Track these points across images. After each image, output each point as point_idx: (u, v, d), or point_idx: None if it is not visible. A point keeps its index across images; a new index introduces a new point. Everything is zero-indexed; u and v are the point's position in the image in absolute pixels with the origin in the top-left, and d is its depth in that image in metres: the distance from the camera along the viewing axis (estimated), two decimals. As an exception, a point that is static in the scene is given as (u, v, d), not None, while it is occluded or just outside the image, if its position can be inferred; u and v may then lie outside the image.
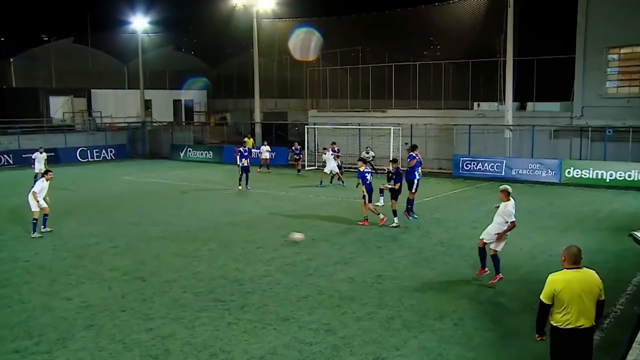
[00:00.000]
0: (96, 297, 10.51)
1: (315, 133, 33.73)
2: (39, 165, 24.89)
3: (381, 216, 16.53)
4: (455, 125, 30.36)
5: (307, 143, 32.67)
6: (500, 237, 10.78)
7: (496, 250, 10.93)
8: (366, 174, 16.58)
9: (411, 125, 30.84)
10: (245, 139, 35.49)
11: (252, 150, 30.11)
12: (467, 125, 29.14)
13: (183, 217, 18.40)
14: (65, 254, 13.70)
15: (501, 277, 11.07)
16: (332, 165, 25.08)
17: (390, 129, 29.88)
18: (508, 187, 10.82)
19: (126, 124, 44.94)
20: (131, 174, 29.87)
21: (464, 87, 33.52)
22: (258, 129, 38.78)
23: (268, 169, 30.80)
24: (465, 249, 13.66)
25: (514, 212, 10.63)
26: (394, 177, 16.59)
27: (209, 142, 42.19)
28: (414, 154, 17.42)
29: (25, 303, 10.22)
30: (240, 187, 24.08)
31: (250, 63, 39.07)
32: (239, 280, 11.42)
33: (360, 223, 16.64)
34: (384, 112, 34.28)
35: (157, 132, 43.83)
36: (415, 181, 17.35)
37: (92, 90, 48.71)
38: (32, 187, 16.00)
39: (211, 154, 37.56)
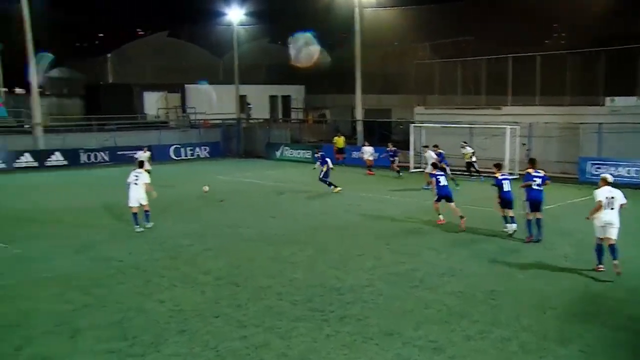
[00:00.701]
0: (189, 301, 10.95)
1: (421, 132, 33.31)
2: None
3: (441, 217, 17.58)
4: (581, 123, 28.89)
5: (413, 143, 32.32)
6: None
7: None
8: (439, 177, 17.70)
9: (530, 124, 29.71)
10: (335, 137, 35.81)
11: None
12: (597, 124, 27.63)
13: (279, 220, 18.80)
14: (159, 255, 14.42)
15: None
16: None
17: (506, 128, 28.93)
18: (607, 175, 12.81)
19: (220, 121, 46.64)
20: (225, 173, 30.94)
21: (593, 80, 31.80)
22: (359, 127, 38.90)
23: (370, 170, 30.88)
24: (594, 265, 12.93)
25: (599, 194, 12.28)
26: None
27: (307, 141, 42.84)
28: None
29: (120, 304, 10.83)
30: (337, 189, 24.27)
31: (352, 56, 39.29)
32: (339, 289, 11.49)
33: (438, 222, 17.61)
34: (499, 109, 33.26)
35: (252, 129, 45.13)
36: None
37: (186, 86, 50.98)
38: (136, 181, 16.99)
39: (309, 154, 38.09)
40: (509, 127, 28.98)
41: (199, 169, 31.75)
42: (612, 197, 12.15)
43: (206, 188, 22.58)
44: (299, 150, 38.99)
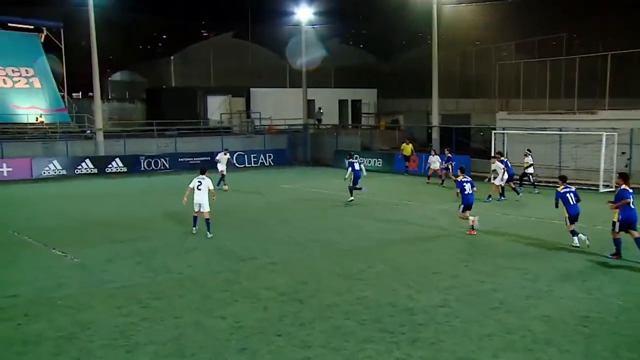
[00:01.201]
0: (250, 317, 11.07)
1: (504, 139, 32.66)
2: (222, 167, 29.12)
3: (472, 219, 18.37)
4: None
5: (494, 151, 31.70)
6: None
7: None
8: (464, 184, 18.56)
9: (631, 130, 28.62)
10: (403, 144, 35.63)
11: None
12: None
13: (347, 233, 18.85)
14: (220, 268, 14.68)
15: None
16: (505, 177, 25.23)
17: (601, 134, 27.99)
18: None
19: (286, 127, 47.18)
20: (291, 182, 31.25)
21: None
22: (435, 134, 38.53)
23: (442, 181, 30.71)
24: None
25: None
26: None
27: (379, 149, 42.78)
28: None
29: (178, 318, 11.07)
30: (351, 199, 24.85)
31: (428, 57, 39.04)
32: (411, 310, 11.38)
33: (468, 232, 18.37)
34: (593, 113, 32.24)
35: (320, 136, 45.44)
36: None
37: (252, 89, 51.87)
38: (199, 186, 18.28)
39: (380, 162, 38.05)
40: (605, 133, 28.05)
41: (262, 178, 32.25)
42: None
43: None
44: (370, 159, 38.95)
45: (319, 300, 12.01)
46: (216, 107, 50.41)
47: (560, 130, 31.27)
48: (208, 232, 18.26)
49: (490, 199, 24.94)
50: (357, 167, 25.33)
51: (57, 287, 13.08)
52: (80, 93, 49.61)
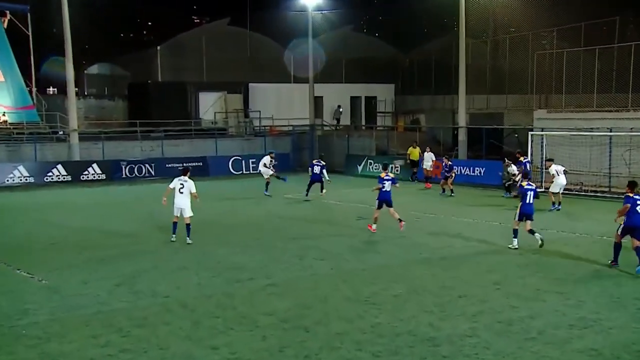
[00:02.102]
0: (247, 348, 11.05)
1: (543, 142, 32.57)
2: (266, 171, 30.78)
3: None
4: None
5: (532, 156, 31.67)
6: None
7: None
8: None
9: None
10: (410, 147, 35.96)
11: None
12: None
13: (359, 250, 18.86)
14: (212, 290, 14.67)
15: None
16: (561, 182, 25.99)
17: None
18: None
19: (290, 128, 47.23)
20: (295, 191, 31.21)
21: None
22: (462, 136, 38.46)
23: (442, 190, 31.55)
24: None
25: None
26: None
27: (397, 153, 42.71)
28: None
29: (164, 349, 11.05)
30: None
31: (454, 47, 39.08)
32: (433, 340, 11.35)
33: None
34: (651, 111, 32.16)
35: (329, 138, 45.46)
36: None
37: (250, 85, 51.97)
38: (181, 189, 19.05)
39: (398, 169, 37.98)
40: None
41: (263, 186, 32.17)
42: None
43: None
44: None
45: (327, 328, 11.98)
46: (210, 105, 50.54)
47: (611, 131, 31.17)
48: (188, 238, 18.98)
49: (555, 207, 25.88)
50: (316, 170, 29.05)
51: (22, 314, 13.05)
52: (54, 89, 49.89)
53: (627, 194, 16.35)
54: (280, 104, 51.57)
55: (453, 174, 31.14)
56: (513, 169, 28.77)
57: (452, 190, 30.61)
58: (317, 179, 29.18)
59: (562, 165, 26.78)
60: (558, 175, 25.95)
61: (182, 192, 19.09)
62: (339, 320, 12.44)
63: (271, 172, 30.66)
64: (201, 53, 54.25)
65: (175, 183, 19.28)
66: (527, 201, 18.63)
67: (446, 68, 47.09)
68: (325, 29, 55.30)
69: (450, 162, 31.46)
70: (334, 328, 11.99)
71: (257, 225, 23.21)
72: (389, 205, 21.28)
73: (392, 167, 37.18)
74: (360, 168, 40.10)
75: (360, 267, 16.85)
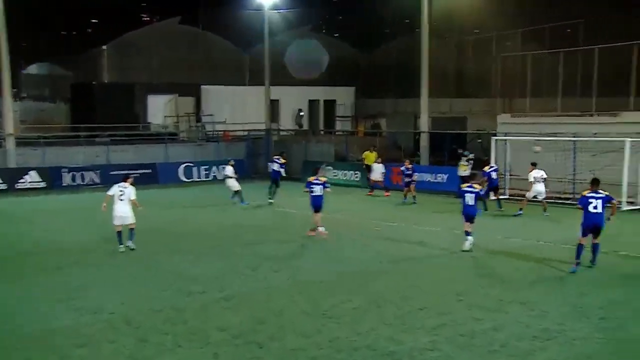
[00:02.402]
0: (197, 364, 11.01)
1: (506, 147, 32.99)
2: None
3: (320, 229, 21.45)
4: None
5: (495, 161, 32.05)
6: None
7: None
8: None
9: (661, 135, 29.16)
10: (366, 152, 36.29)
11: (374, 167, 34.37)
12: None
13: (317, 261, 18.88)
14: (161, 305, 14.54)
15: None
16: (537, 189, 26.43)
17: (624, 141, 28.43)
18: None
19: (245, 133, 47.13)
20: (250, 199, 31.13)
21: None
22: (424, 141, 38.78)
23: (387, 191, 33.52)
24: None
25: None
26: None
27: (356, 159, 42.91)
28: None
29: (108, 368, 10.96)
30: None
31: (417, 49, 39.37)
32: (392, 354, 11.40)
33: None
34: (615, 116, 32.74)
35: (286, 143, 45.45)
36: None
37: (203, 87, 51.73)
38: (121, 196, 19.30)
39: (358, 175, 38.18)
40: (629, 139, 28.50)
41: (216, 194, 32.07)
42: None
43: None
44: (346, 171, 39.09)
45: (282, 344, 11.98)
46: (159, 109, 50.22)
47: (575, 136, 31.67)
48: (130, 242, 19.35)
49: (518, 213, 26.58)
50: (276, 167, 31.50)
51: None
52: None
53: (582, 194, 17.48)
54: (235, 107, 51.48)
55: (414, 179, 31.27)
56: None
57: (414, 197, 30.81)
58: (276, 176, 30.90)
59: (543, 171, 26.86)
60: (535, 182, 26.27)
61: (122, 199, 19.28)
62: (295, 335, 12.45)
63: (237, 185, 30.63)
64: (150, 53, 53.93)
65: (115, 190, 19.48)
66: (467, 203, 19.80)
67: (408, 70, 47.39)
68: (283, 29, 55.35)
69: (411, 166, 31.62)
70: (289, 343, 11.99)
71: (209, 235, 23.15)
72: (317, 210, 21.99)
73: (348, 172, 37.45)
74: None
75: (318, 278, 16.85)
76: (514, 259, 18.82)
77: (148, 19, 63.63)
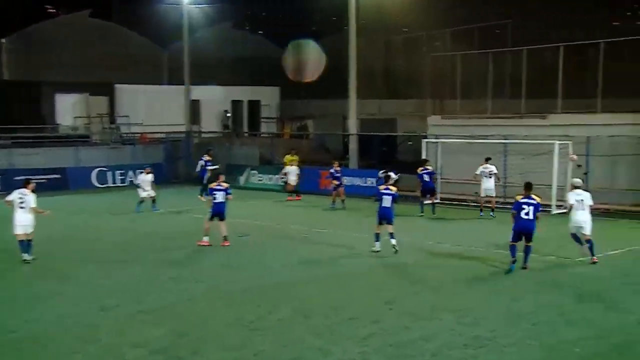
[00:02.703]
0: (113, 382, 10.89)
1: (438, 150, 33.46)
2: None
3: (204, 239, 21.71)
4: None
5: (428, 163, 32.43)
6: None
7: None
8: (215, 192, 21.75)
9: (588, 138, 29.96)
10: (287, 155, 36.57)
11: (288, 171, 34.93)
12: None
13: (243, 270, 18.83)
14: (71, 321, 14.24)
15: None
16: (486, 185, 27.57)
17: (553, 144, 29.16)
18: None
19: (164, 135, 46.60)
20: (169, 205, 30.89)
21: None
22: (353, 144, 39.01)
23: (291, 196, 34.31)
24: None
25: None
26: None
27: (282, 162, 42.89)
28: None
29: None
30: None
31: (344, 47, 39.60)
32: (321, 366, 11.47)
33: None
34: (543, 118, 33.55)
35: (208, 146, 45.10)
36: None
37: (117, 86, 50.93)
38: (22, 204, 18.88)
39: (285, 180, 38.16)
40: (557, 142, 29.20)
41: (131, 201, 31.60)
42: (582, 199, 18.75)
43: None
44: (272, 175, 39.04)
45: (205, 358, 11.92)
46: (69, 109, 49.17)
47: (505, 138, 32.29)
48: (27, 254, 18.95)
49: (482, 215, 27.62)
50: (201, 163, 33.45)
51: None
52: None
53: (516, 199, 18.55)
54: (152, 108, 50.68)
55: (343, 182, 31.41)
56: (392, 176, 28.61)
57: (343, 202, 30.98)
58: (203, 175, 32.20)
59: (492, 168, 27.83)
60: (482, 178, 27.44)
61: (22, 207, 18.98)
62: (219, 349, 12.39)
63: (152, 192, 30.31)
64: (58, 48, 52.60)
65: (15, 196, 19.16)
66: (383, 204, 20.52)
67: (336, 70, 47.62)
68: (203, 25, 54.92)
69: (340, 168, 31.71)
70: (212, 358, 11.93)
71: (125, 244, 22.83)
72: (221, 218, 21.98)
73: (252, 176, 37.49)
74: (242, 179, 39.97)
75: (243, 288, 16.80)
76: (446, 265, 19.15)
77: (54, 11, 62.15)
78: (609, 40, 33.27)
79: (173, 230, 25.72)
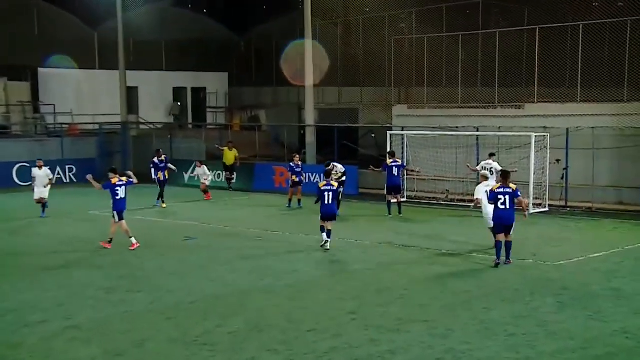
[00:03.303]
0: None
1: (404, 142, 33.58)
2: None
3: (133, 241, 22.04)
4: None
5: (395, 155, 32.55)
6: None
7: None
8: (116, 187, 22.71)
9: (567, 129, 30.33)
10: (225, 148, 36.63)
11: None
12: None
13: (189, 279, 18.67)
14: (-8, 339, 14.03)
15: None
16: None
17: (530, 136, 29.44)
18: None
19: (96, 126, 46.12)
20: (101, 206, 30.49)
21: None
22: (310, 137, 38.97)
23: (207, 194, 34.71)
24: None
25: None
26: None
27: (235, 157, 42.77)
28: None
29: None
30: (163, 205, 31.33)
31: (300, 29, 39.51)
32: (277, 386, 11.43)
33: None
34: (519, 108, 33.88)
35: (147, 139, 44.83)
36: None
37: (41, 70, 50.22)
38: None
39: (234, 176, 38.04)
40: (534, 134, 29.48)
41: (58, 201, 31.21)
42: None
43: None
44: (218, 171, 38.83)
45: (145, 378, 11.82)
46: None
47: (477, 130, 32.50)
48: None
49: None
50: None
51: None
52: None
53: (492, 189, 19.60)
54: (83, 95, 50.23)
55: (302, 178, 31.52)
56: (338, 168, 29.00)
57: (299, 202, 30.92)
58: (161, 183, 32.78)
59: (495, 164, 27.84)
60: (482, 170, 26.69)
61: None
62: (161, 367, 12.30)
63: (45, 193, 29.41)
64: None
65: None
66: (326, 202, 21.89)
67: (291, 54, 47.51)
68: (139, 3, 54.44)
69: (300, 162, 31.70)
70: (154, 377, 11.86)
71: (50, 251, 22.49)
72: (121, 218, 22.57)
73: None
74: (186, 176, 39.73)
75: (188, 299, 16.66)
76: (414, 270, 19.18)
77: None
78: (589, 22, 33.52)
79: (105, 234, 25.31)
